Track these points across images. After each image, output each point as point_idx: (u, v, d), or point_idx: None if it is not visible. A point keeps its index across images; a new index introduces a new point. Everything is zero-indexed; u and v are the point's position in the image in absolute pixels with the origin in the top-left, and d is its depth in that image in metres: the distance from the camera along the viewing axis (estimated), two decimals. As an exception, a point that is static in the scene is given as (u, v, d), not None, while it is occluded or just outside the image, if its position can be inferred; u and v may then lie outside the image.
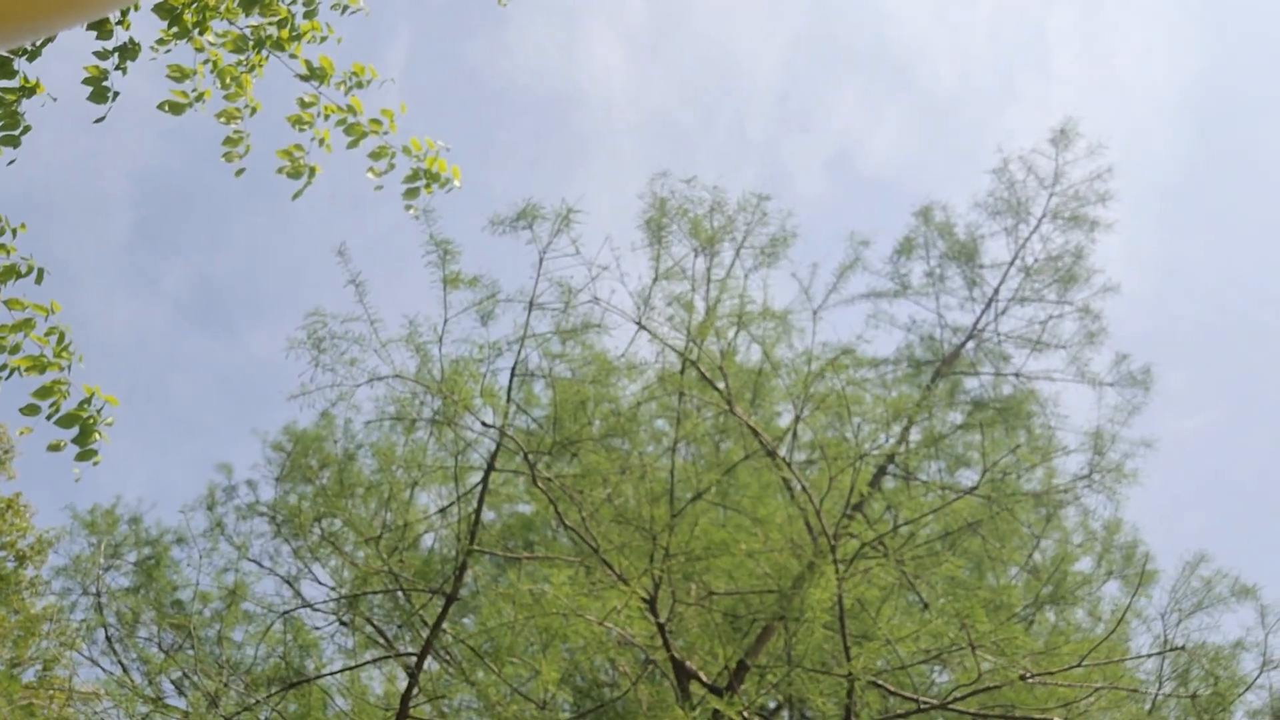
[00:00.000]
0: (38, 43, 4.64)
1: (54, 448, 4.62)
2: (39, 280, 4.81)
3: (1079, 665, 6.12)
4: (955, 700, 6.36)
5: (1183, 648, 6.34)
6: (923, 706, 6.50)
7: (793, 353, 9.05)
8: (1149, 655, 6.60)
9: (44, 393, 4.49)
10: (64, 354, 4.60)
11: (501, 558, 8.81)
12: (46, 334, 4.58)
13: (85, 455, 4.54)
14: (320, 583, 9.25)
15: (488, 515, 9.28)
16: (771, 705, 8.83)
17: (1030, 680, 6.25)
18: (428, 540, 9.20)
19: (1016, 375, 10.14)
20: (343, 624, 8.83)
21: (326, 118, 4.91)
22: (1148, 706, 6.83)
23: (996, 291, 10.43)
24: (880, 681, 6.80)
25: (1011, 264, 10.37)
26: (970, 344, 10.36)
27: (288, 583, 9.33)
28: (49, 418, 4.51)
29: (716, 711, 6.30)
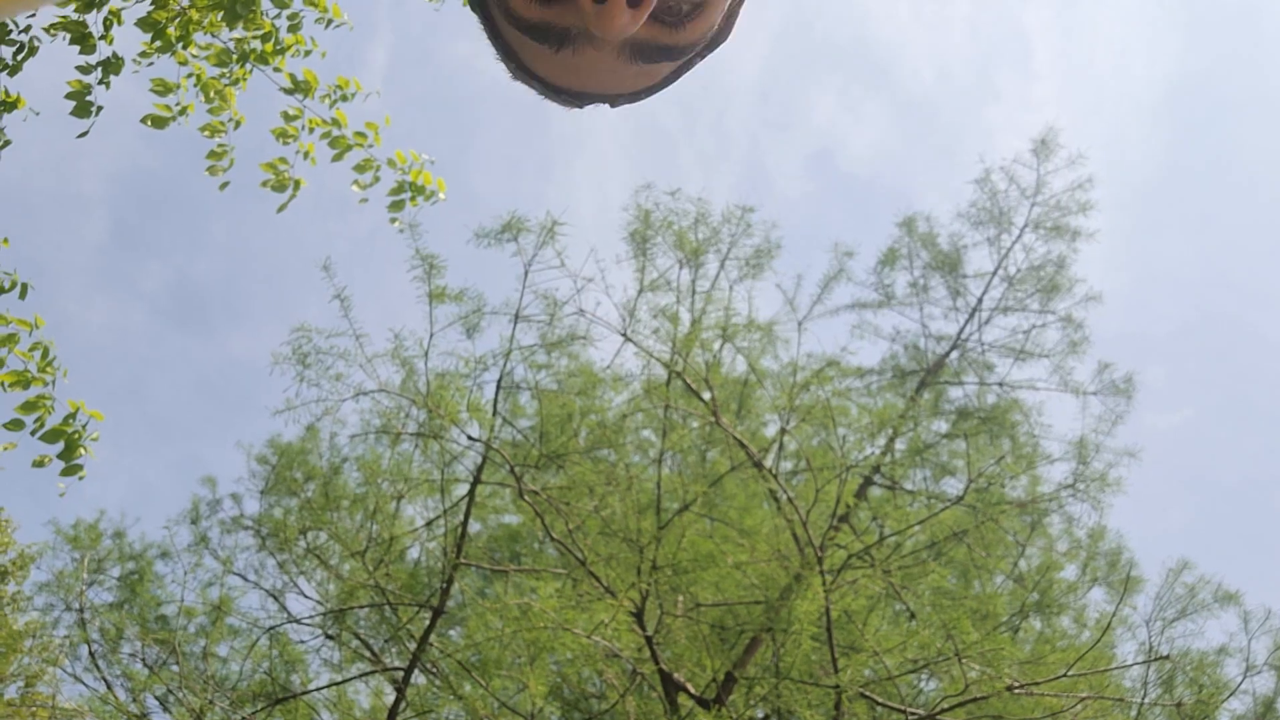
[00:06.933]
0: (19, 57, 4.62)
1: (39, 464, 4.60)
2: (23, 295, 4.80)
3: (1065, 675, 6.14)
4: (942, 711, 6.37)
5: (1167, 657, 6.37)
6: (910, 717, 6.51)
7: (778, 364, 9.08)
8: (1134, 664, 6.63)
9: (28, 408, 4.47)
10: (48, 369, 4.58)
11: (488, 570, 8.79)
12: (31, 349, 4.56)
13: (70, 470, 4.51)
14: (306, 596, 9.21)
15: (474, 527, 9.26)
16: (759, 715, 8.83)
17: (1018, 690, 6.27)
18: (414, 553, 9.18)
19: (1000, 384, 10.19)
20: (329, 638, 8.78)
21: (311, 131, 4.91)
22: (1133, 714, 6.86)
23: (980, 301, 10.49)
24: (867, 692, 6.80)
25: (994, 274, 10.44)
26: (954, 354, 10.41)
27: (273, 596, 9.28)
28: (34, 433, 4.49)
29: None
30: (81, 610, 9.27)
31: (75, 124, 4.48)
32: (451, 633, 8.99)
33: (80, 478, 4.59)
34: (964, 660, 6.23)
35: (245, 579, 9.32)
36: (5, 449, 4.75)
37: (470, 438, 7.37)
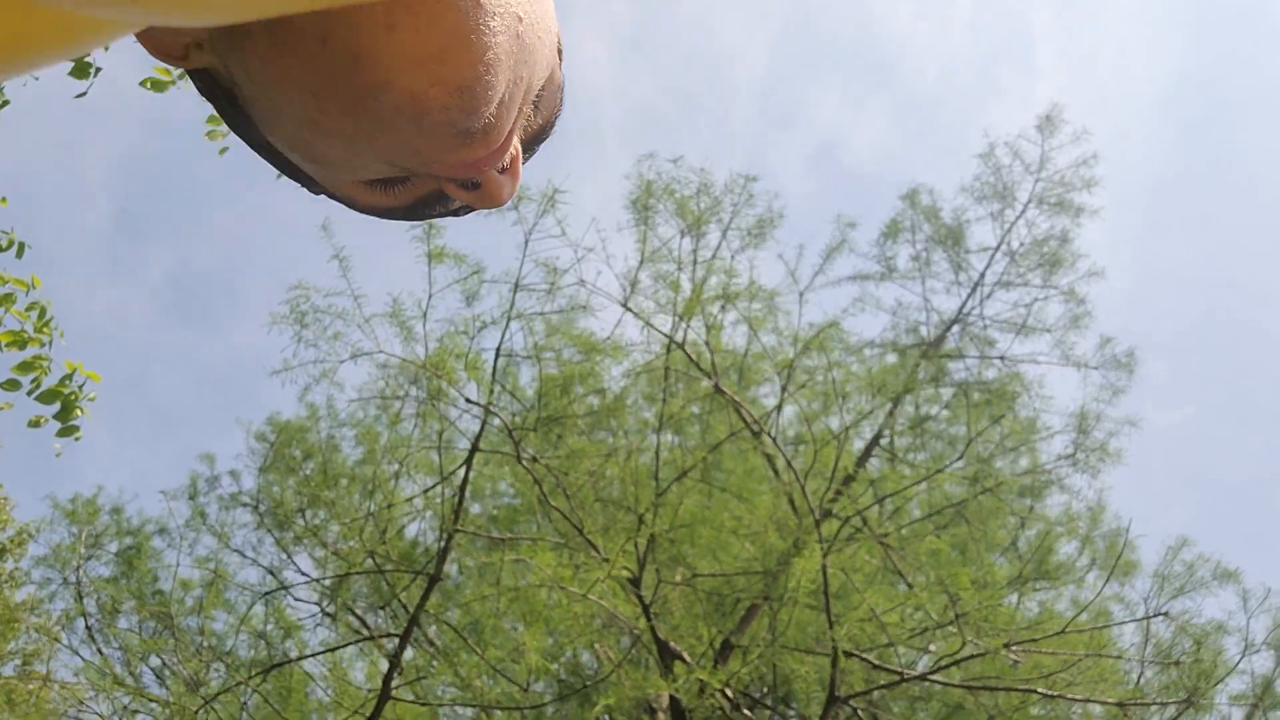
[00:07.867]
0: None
1: (35, 424, 4.58)
2: (19, 255, 4.77)
3: (1063, 632, 6.13)
4: (938, 670, 6.36)
5: (1166, 613, 6.37)
6: (906, 678, 6.50)
7: (779, 336, 9.05)
8: (1133, 620, 6.63)
9: (25, 368, 4.45)
10: (45, 329, 4.56)
11: (485, 541, 8.77)
12: (27, 309, 4.54)
13: (67, 431, 4.49)
14: (303, 573, 9.20)
15: (474, 509, 9.27)
16: (755, 696, 8.83)
17: (1015, 650, 6.26)
18: (412, 530, 9.17)
19: (1001, 359, 10.15)
20: (326, 614, 8.78)
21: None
22: (1129, 686, 6.85)
23: (982, 276, 10.45)
24: (863, 655, 6.79)
25: (997, 248, 10.40)
26: (956, 327, 10.38)
27: (270, 573, 9.27)
28: (30, 393, 4.47)
29: (702, 683, 6.29)
30: (79, 584, 9.28)
31: (80, 115, 4.46)
32: (450, 612, 8.98)
33: (76, 438, 4.57)
34: (961, 622, 6.22)
35: (243, 555, 9.32)
36: (2, 409, 4.73)
37: (468, 400, 7.34)
